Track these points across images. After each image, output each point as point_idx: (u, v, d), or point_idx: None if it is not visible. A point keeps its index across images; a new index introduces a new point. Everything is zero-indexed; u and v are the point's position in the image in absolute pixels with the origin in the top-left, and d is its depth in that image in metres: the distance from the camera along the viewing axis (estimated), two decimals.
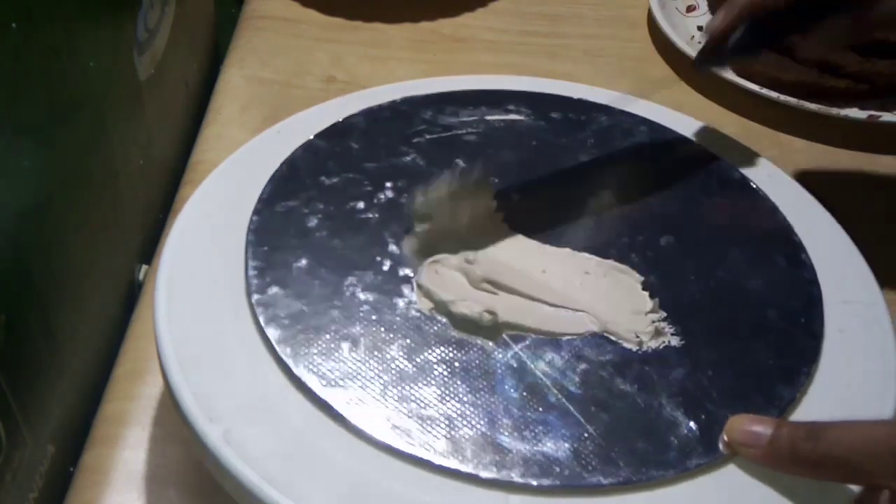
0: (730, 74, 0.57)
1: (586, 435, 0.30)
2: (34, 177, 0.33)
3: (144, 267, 0.46)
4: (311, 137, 0.41)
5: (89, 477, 0.37)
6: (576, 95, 0.46)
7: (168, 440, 0.38)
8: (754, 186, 0.41)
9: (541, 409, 0.31)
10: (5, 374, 0.31)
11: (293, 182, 0.38)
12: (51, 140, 0.35)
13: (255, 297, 0.33)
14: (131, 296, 0.45)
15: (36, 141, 0.33)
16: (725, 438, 0.30)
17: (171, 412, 0.37)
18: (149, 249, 0.47)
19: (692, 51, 0.59)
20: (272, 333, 0.32)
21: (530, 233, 0.38)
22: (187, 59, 0.55)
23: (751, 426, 0.30)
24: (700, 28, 0.64)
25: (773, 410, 0.31)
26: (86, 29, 0.37)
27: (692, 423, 0.31)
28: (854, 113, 0.55)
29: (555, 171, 0.40)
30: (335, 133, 0.41)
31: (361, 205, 0.38)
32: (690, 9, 0.66)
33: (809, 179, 0.53)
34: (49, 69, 0.34)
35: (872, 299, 0.36)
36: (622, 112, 0.45)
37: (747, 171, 0.42)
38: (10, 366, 0.31)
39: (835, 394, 0.33)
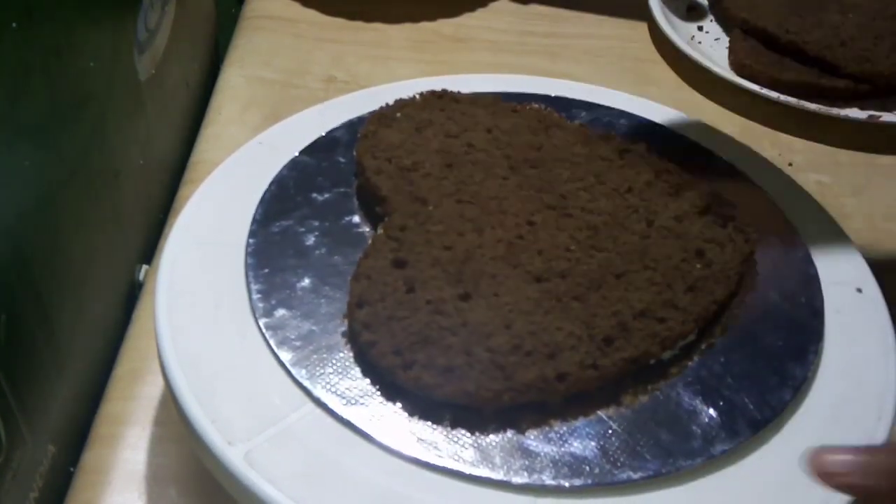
0: (730, 74, 0.58)
1: (610, 431, 0.30)
2: (34, 177, 0.33)
3: (144, 267, 0.46)
4: (297, 154, 0.40)
5: (89, 477, 0.37)
6: (553, 93, 0.46)
7: (168, 440, 0.38)
8: (740, 171, 0.42)
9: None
10: (5, 374, 0.31)
11: (284, 201, 0.38)
12: (51, 140, 0.35)
13: (263, 320, 0.33)
14: (131, 296, 0.45)
15: (36, 141, 0.33)
16: (811, 470, 0.30)
17: (171, 412, 0.37)
18: (149, 249, 0.47)
19: (692, 51, 0.59)
20: (285, 356, 0.32)
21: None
22: (187, 59, 0.55)
23: (838, 455, 0.30)
24: (700, 28, 0.64)
25: (787, 390, 0.32)
26: (86, 29, 0.37)
27: (712, 411, 0.31)
28: (854, 113, 0.55)
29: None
30: (320, 148, 0.41)
31: (356, 219, 0.38)
32: (691, 9, 0.66)
33: (809, 179, 0.53)
34: (49, 69, 0.34)
35: (863, 279, 0.37)
36: (600, 106, 0.45)
37: (731, 159, 0.42)
38: (10, 366, 0.31)
39: (842, 371, 0.33)
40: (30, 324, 0.33)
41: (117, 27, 0.42)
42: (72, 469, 0.37)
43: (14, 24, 0.30)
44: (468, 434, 0.30)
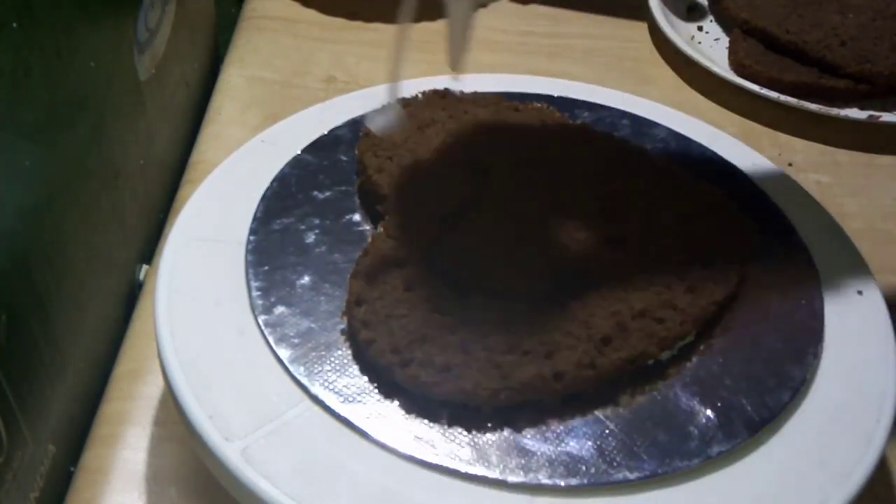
0: (730, 74, 0.58)
1: (607, 431, 0.30)
2: (34, 177, 0.33)
3: (145, 267, 0.46)
4: (299, 152, 0.41)
5: (89, 477, 0.37)
6: (555, 93, 0.46)
7: (168, 440, 0.38)
8: (740, 171, 0.42)
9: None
10: (5, 373, 0.31)
11: (286, 199, 0.38)
12: (51, 140, 0.35)
13: (262, 317, 0.33)
14: (131, 296, 0.45)
15: (36, 141, 0.33)
16: None
17: (171, 412, 0.37)
18: (149, 249, 0.47)
19: (692, 51, 0.59)
20: (284, 353, 0.32)
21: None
22: (187, 59, 0.55)
23: None
24: (700, 28, 0.64)
25: (786, 392, 0.32)
26: (86, 29, 0.37)
27: (709, 412, 0.31)
28: (854, 113, 0.55)
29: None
30: (322, 146, 0.41)
31: (357, 217, 0.38)
32: (691, 9, 0.66)
33: (809, 179, 0.53)
34: (49, 69, 0.34)
35: (864, 281, 0.37)
36: (602, 106, 0.45)
37: (732, 159, 0.42)
38: (11, 366, 0.31)
39: (842, 374, 0.33)
40: (30, 324, 0.33)
41: (117, 27, 0.42)
42: (72, 469, 0.37)
43: (14, 24, 0.30)
44: (465, 432, 0.30)
